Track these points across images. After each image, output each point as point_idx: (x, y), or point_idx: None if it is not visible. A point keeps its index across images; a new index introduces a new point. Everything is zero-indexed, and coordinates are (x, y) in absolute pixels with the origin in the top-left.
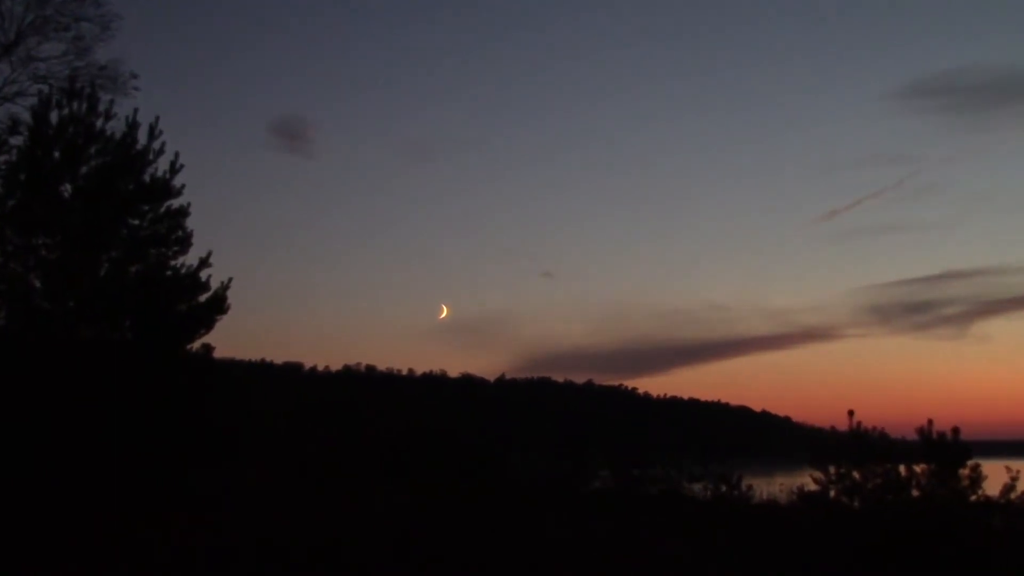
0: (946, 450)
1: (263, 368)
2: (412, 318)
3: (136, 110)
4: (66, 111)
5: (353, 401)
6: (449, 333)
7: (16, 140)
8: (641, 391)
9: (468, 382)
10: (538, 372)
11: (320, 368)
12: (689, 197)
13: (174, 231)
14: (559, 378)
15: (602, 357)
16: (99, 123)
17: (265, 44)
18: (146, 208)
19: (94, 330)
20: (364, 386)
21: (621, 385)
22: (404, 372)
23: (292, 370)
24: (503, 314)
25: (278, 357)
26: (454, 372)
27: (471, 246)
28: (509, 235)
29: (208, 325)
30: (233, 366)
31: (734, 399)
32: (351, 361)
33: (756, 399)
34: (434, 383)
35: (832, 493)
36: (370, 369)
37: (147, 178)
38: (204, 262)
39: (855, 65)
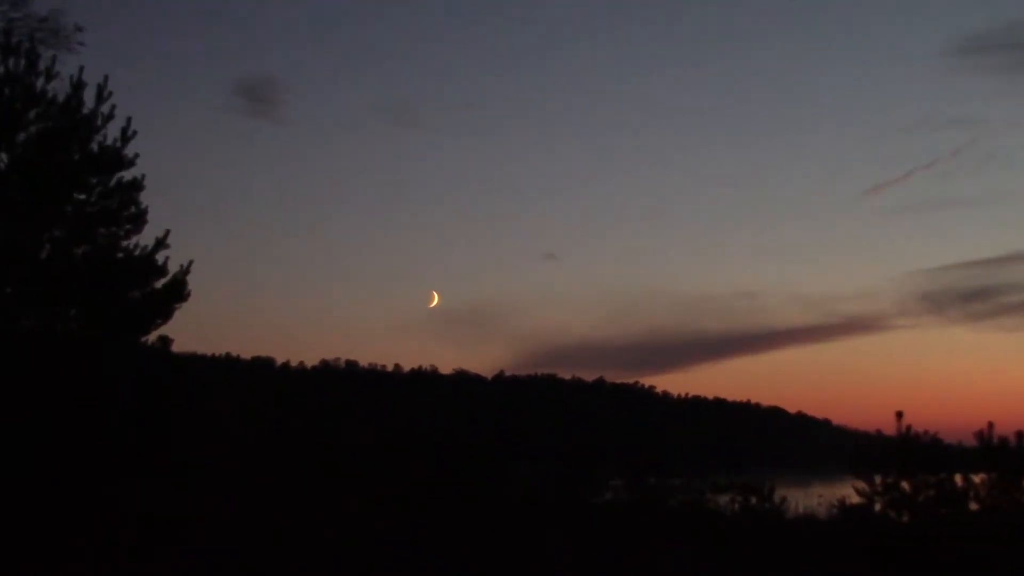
0: (1009, 457)
1: (229, 364)
2: (398, 307)
3: (82, 68)
4: (0, 69)
5: (332, 401)
6: (440, 324)
7: None
8: (659, 390)
9: (462, 380)
10: (541, 368)
11: (294, 364)
12: (715, 168)
13: (126, 207)
14: (565, 375)
15: (614, 351)
16: (39, 83)
17: None
18: (94, 181)
19: (34, 320)
20: (344, 384)
21: (636, 383)
22: (390, 368)
23: (262, 366)
24: (501, 303)
25: (246, 351)
26: (446, 368)
27: (465, 224)
28: (508, 211)
29: (165, 315)
30: (194, 361)
31: (766, 399)
32: (329, 356)
33: (791, 399)
34: (424, 381)
35: (878, 506)
36: (351, 365)
37: (95, 146)
38: (161, 243)
39: (904, 16)
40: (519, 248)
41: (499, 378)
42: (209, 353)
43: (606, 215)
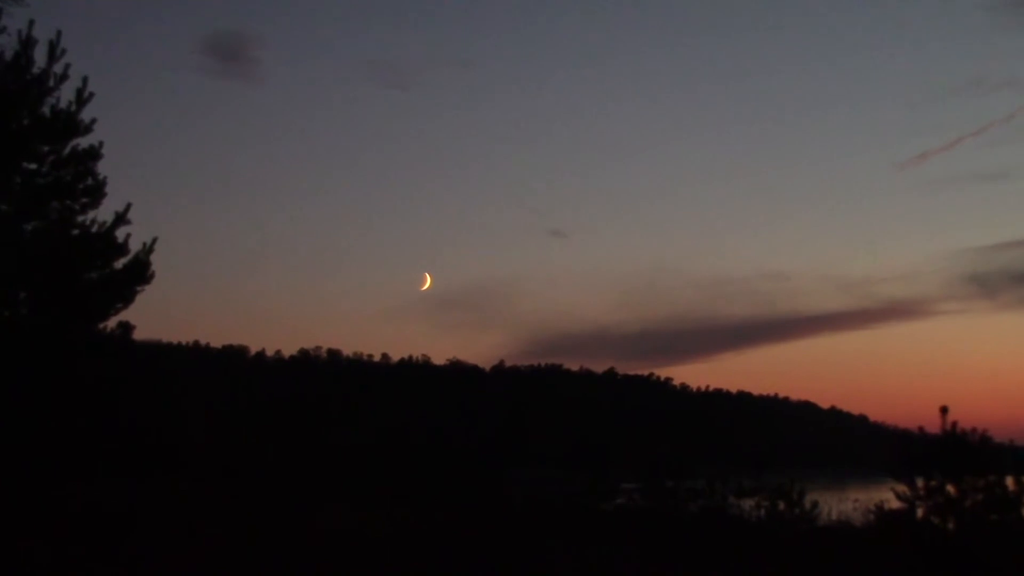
0: None
1: (197, 353)
2: (387, 290)
3: (32, 23)
4: None
5: (312, 395)
6: (433, 309)
7: None
8: (677, 382)
9: (457, 371)
10: (546, 358)
11: (270, 354)
12: (740, 138)
13: (82, 178)
14: (573, 366)
15: (627, 339)
16: None
17: None
18: (46, 149)
19: None
20: (325, 376)
21: (651, 375)
22: (376, 358)
23: (234, 356)
24: (502, 285)
25: (217, 340)
26: (440, 358)
27: (461, 197)
28: (508, 183)
29: (126, 298)
30: (159, 351)
31: (796, 393)
32: (309, 345)
33: (824, 393)
34: (415, 372)
35: (920, 512)
36: (333, 355)
37: (46, 111)
38: (121, 218)
39: None
40: (522, 224)
41: (499, 369)
42: (176, 342)
43: (619, 188)
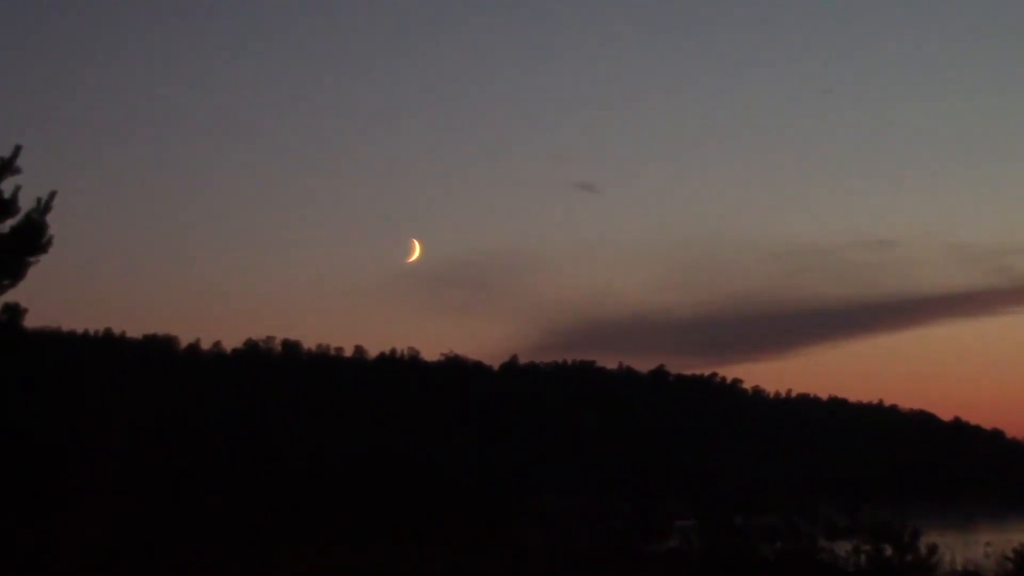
0: None
1: (110, 345)
2: (361, 264)
3: None
4: None
5: (263, 402)
6: (424, 287)
7: None
8: (747, 385)
9: (455, 370)
10: (572, 353)
11: (206, 346)
12: (830, 72)
13: None
14: (608, 363)
15: (680, 328)
16: None
17: None
18: None
19: None
20: (281, 376)
21: (713, 376)
22: (348, 353)
23: (159, 349)
24: (515, 256)
25: (137, 329)
26: (432, 353)
27: (456, 140)
28: (521, 120)
29: (14, 272)
30: (61, 341)
31: (906, 400)
32: (259, 335)
33: (944, 400)
34: (399, 372)
35: None
36: (291, 348)
37: None
38: (6, 165)
39: None
40: (540, 174)
41: (511, 367)
42: (81, 331)
43: (666, 127)
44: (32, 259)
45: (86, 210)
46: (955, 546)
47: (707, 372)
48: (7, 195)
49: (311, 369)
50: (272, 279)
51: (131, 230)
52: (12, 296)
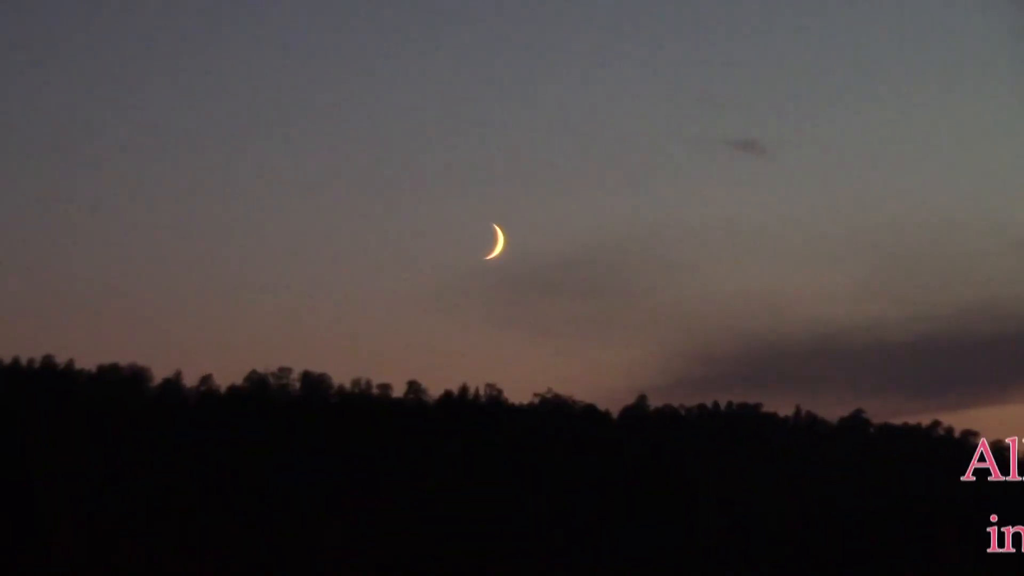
0: None
1: (51, 378)
2: (416, 263)
3: None
4: None
5: (275, 450)
6: (507, 296)
7: None
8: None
9: (556, 417)
10: (730, 393)
11: (191, 383)
12: None
13: None
14: (780, 407)
15: (887, 355)
16: None
17: None
18: None
19: None
20: (298, 428)
21: (935, 425)
22: (397, 393)
23: (123, 386)
24: (641, 247)
25: (88, 358)
26: (521, 393)
27: (562, 87)
28: (660, 61)
29: None
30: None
31: None
32: (266, 366)
33: None
34: (474, 420)
35: None
36: (313, 384)
37: None
38: None
39: None
40: (682, 129)
41: (637, 414)
42: (9, 359)
43: (863, 70)
44: None
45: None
46: None
47: (926, 421)
48: None
49: (341, 415)
50: (284, 293)
51: (70, 235)
52: None
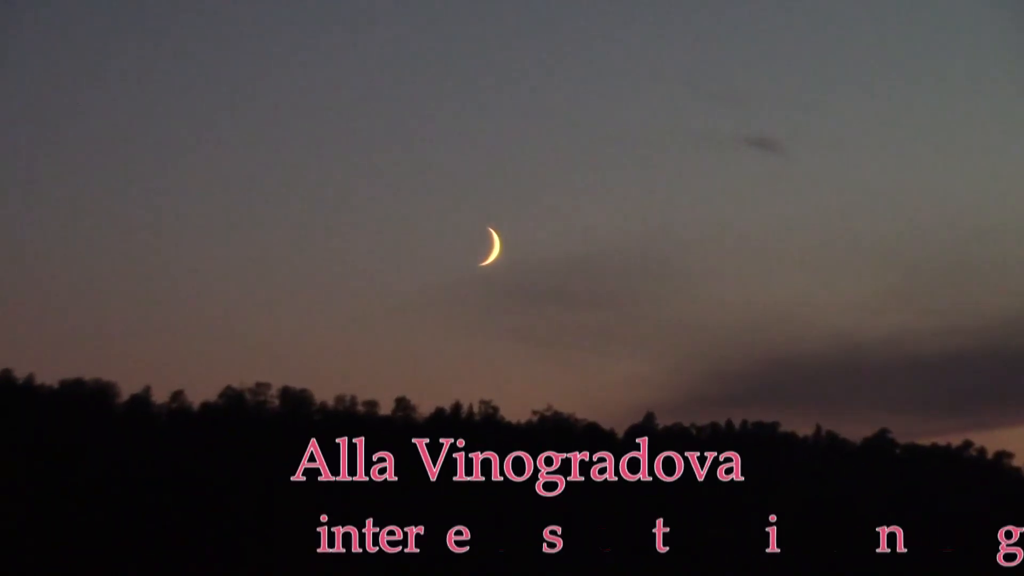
0: None
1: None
2: (407, 269)
3: None
4: None
5: (251, 472)
6: (504, 304)
7: None
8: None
9: (556, 436)
10: (745, 411)
11: (161, 399)
12: None
13: None
14: (799, 426)
15: (915, 370)
16: None
17: None
18: None
19: None
20: (278, 444)
21: (966, 446)
22: (385, 410)
23: (90, 399)
24: (649, 252)
25: (50, 374)
26: (518, 410)
27: (564, 80)
28: (667, 52)
29: None
30: None
31: None
32: (242, 381)
33: None
34: (467, 437)
35: None
36: (294, 400)
37: None
38: None
39: None
40: (696, 126)
41: (644, 432)
42: None
43: (886, 62)
44: None
45: None
46: None
47: (956, 440)
48: None
49: (325, 431)
50: (262, 298)
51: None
52: None
